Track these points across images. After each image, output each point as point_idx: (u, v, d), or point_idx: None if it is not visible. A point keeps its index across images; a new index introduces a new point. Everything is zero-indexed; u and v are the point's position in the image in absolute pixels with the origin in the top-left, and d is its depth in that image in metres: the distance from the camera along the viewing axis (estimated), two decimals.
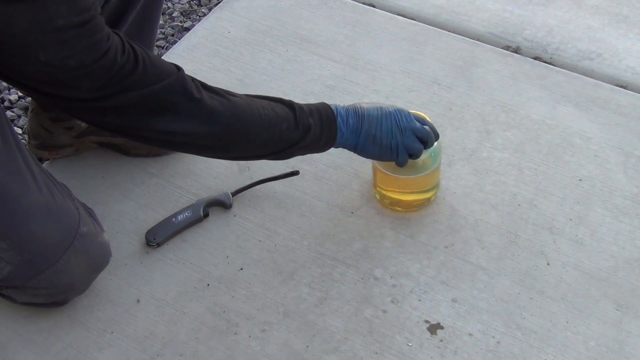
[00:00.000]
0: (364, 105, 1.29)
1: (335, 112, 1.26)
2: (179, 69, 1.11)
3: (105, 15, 1.31)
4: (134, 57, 1.04)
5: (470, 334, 1.28)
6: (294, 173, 1.48)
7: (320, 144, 1.26)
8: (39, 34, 0.94)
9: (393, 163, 1.37)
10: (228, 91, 1.18)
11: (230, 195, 1.46)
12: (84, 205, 1.31)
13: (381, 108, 1.30)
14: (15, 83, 1.06)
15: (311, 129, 1.22)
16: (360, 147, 1.29)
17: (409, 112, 1.32)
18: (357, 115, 1.28)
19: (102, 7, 1.18)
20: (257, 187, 1.49)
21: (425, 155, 1.36)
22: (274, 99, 1.23)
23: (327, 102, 1.28)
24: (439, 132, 1.35)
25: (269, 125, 1.19)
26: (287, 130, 1.20)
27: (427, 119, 1.36)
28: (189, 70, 1.72)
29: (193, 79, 1.13)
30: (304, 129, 1.22)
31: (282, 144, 1.22)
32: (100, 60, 0.99)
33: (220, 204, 1.46)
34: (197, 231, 1.44)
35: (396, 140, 1.29)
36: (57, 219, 1.22)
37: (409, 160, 1.36)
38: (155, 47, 1.86)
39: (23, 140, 1.51)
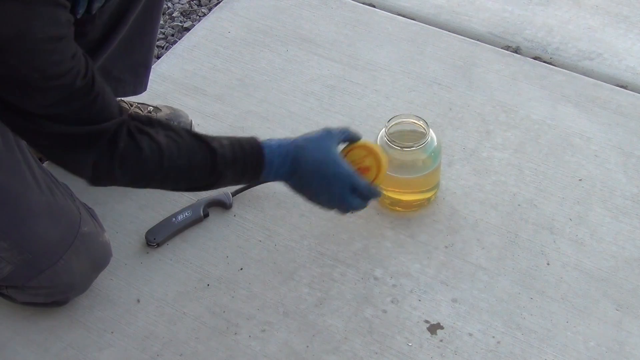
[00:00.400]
0: (307, 155, 1.20)
1: (263, 163, 1.19)
2: (122, 112, 1.09)
3: (105, 17, 1.31)
4: (90, 85, 1.02)
5: (470, 334, 1.28)
6: None
7: (235, 183, 1.25)
8: (16, 39, 0.94)
9: (393, 163, 1.37)
10: (153, 142, 1.12)
11: (230, 195, 1.46)
12: (84, 205, 1.31)
13: (324, 163, 1.20)
14: None
15: (225, 179, 1.19)
16: (289, 187, 1.25)
17: (350, 180, 1.21)
18: (293, 166, 1.20)
19: (101, 7, 1.18)
20: (257, 187, 1.49)
21: (425, 155, 1.36)
22: (202, 140, 1.16)
23: (275, 137, 1.22)
24: (439, 132, 1.34)
25: (177, 176, 1.16)
26: (198, 177, 1.17)
27: (383, 160, 1.26)
28: (189, 70, 1.73)
29: (129, 126, 1.10)
30: (217, 177, 1.18)
31: (189, 187, 1.21)
32: (61, 78, 0.98)
33: (220, 204, 1.46)
34: (197, 231, 1.44)
35: (320, 201, 1.25)
36: (58, 218, 1.22)
37: (409, 160, 1.37)
38: (156, 47, 1.86)
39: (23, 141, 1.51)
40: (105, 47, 1.37)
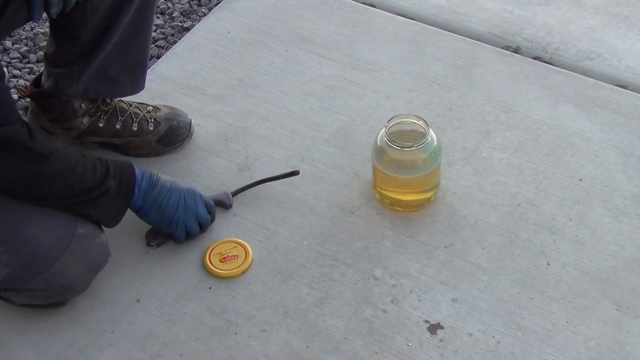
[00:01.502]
0: (161, 175, 1.34)
1: (135, 178, 1.28)
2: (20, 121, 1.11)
3: (97, 20, 1.31)
4: None
5: (470, 334, 1.28)
6: (294, 173, 1.48)
7: (113, 206, 1.27)
8: None
9: (393, 163, 1.37)
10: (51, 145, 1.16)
11: (230, 195, 1.46)
12: None
13: (175, 182, 1.35)
14: None
15: (110, 191, 1.24)
16: (143, 211, 1.32)
17: (200, 196, 1.38)
18: (151, 181, 1.31)
19: (62, 11, 1.16)
20: (257, 187, 1.49)
21: (425, 155, 1.36)
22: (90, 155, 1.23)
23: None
24: (439, 132, 1.34)
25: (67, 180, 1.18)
26: (88, 182, 1.21)
27: (249, 249, 1.40)
28: (189, 70, 1.73)
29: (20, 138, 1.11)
30: (105, 188, 1.23)
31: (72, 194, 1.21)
32: None
33: (220, 204, 1.46)
34: None
35: (178, 216, 1.34)
36: (54, 221, 1.22)
37: (409, 160, 1.37)
38: (155, 47, 1.87)
39: None
40: (100, 50, 1.37)
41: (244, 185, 1.48)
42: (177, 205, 1.34)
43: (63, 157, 1.17)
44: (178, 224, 1.35)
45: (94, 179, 1.21)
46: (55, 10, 1.11)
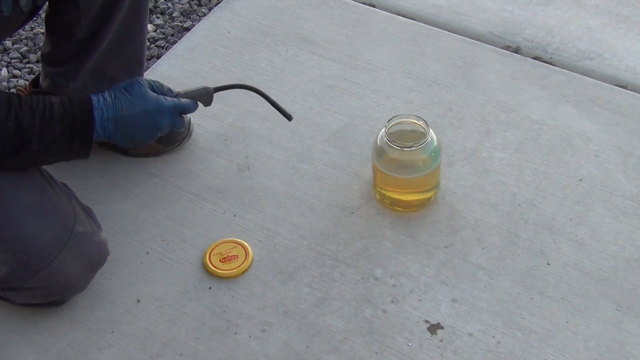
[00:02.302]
0: (126, 110, 1.21)
1: (93, 119, 1.18)
2: None
3: (91, 17, 1.32)
4: None
5: (470, 334, 1.28)
6: (288, 116, 1.37)
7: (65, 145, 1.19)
8: None
9: (393, 163, 1.37)
10: None
11: (212, 91, 1.34)
12: (82, 204, 1.31)
13: (142, 115, 1.22)
14: None
15: (54, 141, 1.16)
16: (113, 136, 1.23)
17: (175, 107, 1.26)
18: (116, 126, 1.21)
19: (34, 3, 1.14)
20: (257, 187, 1.48)
21: (425, 155, 1.36)
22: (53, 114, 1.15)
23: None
24: (439, 132, 1.33)
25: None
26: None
27: (249, 249, 1.39)
28: (189, 70, 1.73)
29: None
30: (47, 139, 1.15)
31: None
32: None
33: (200, 100, 1.34)
34: (198, 231, 1.44)
35: (150, 137, 1.25)
36: (51, 219, 1.22)
37: (409, 160, 1.37)
38: (155, 47, 1.87)
39: None
40: (95, 47, 1.37)
41: (230, 83, 1.39)
42: (149, 133, 1.25)
43: None
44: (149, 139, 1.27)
45: (32, 130, 1.12)
46: (25, 2, 1.09)
